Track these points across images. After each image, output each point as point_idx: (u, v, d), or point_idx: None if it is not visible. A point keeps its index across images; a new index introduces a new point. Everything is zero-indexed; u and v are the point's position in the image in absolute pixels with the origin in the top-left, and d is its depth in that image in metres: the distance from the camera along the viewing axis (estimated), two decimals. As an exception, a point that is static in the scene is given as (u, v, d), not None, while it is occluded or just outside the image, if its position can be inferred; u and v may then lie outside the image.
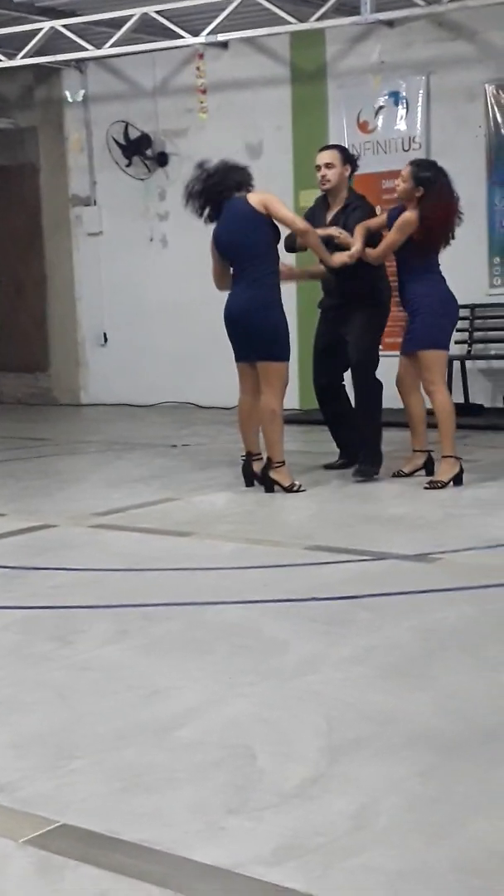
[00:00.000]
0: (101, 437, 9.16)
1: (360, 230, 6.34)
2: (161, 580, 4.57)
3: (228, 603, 4.15)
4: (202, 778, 2.68)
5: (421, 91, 9.56)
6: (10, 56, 10.11)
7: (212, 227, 6.39)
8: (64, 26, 9.73)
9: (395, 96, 9.71)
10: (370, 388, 6.45)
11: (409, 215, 6.17)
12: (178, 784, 2.66)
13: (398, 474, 6.41)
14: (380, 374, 6.56)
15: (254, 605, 4.14)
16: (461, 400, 9.30)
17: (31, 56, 9.94)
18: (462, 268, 9.47)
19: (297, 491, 6.14)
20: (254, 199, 6.18)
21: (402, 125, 9.70)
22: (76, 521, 5.76)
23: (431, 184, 6.21)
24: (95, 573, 4.71)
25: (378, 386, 6.47)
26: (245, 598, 4.22)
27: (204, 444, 8.16)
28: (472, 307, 9.49)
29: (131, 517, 5.80)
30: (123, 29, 9.60)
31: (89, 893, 2.20)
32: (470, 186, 9.34)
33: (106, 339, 11.60)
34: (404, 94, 9.66)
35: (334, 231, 6.39)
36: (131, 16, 9.46)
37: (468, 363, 9.44)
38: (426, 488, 6.09)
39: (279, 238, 6.33)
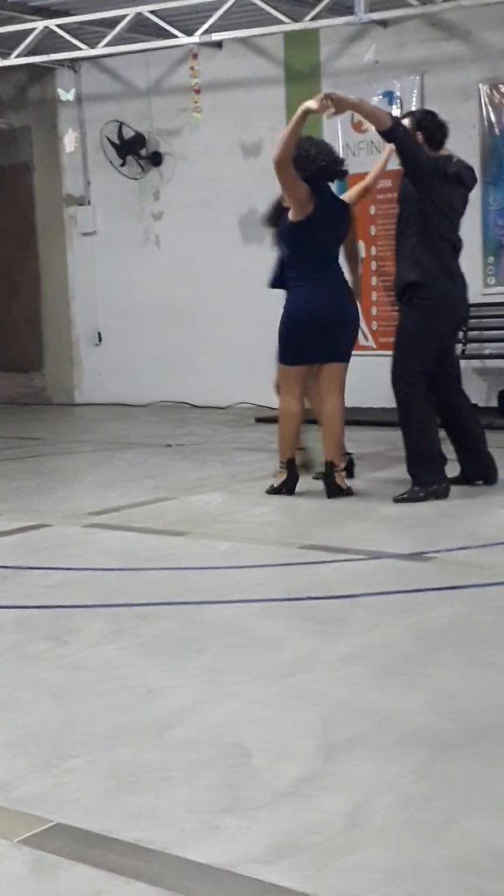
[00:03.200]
0: (95, 437, 9.16)
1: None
2: (156, 579, 4.57)
3: (223, 602, 4.16)
4: (196, 777, 2.68)
5: (415, 91, 9.57)
6: (4, 55, 10.10)
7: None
8: (58, 26, 9.72)
9: (389, 96, 9.71)
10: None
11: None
12: (173, 783, 2.66)
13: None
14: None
15: (248, 604, 4.14)
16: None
17: (25, 55, 9.93)
18: (456, 267, 9.51)
19: (349, 493, 6.01)
20: (345, 196, 6.30)
21: (396, 125, 9.71)
22: (71, 520, 5.76)
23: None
24: (90, 573, 4.71)
25: (402, 395, 6.00)
26: (239, 597, 4.22)
27: (199, 444, 8.16)
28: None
29: (126, 516, 5.80)
30: (117, 28, 9.60)
31: (84, 893, 2.20)
32: (464, 186, 9.37)
33: (100, 339, 11.60)
34: (398, 93, 9.67)
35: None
36: (125, 15, 9.46)
37: (462, 362, 9.43)
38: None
39: None
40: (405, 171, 5.87)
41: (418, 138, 5.86)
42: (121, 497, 6.32)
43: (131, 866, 2.29)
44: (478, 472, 6.16)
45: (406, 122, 5.93)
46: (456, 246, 5.93)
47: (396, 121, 5.83)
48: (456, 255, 5.92)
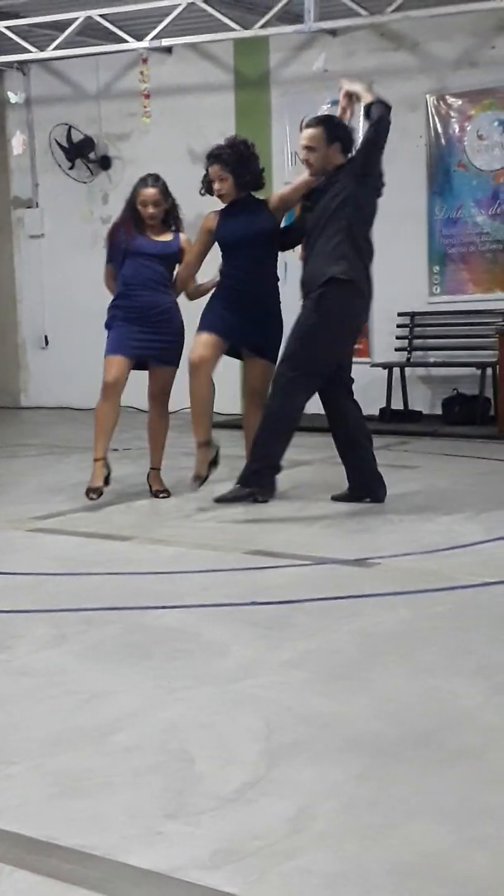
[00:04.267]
0: (41, 441, 9.10)
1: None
2: (100, 584, 4.55)
3: (168, 607, 4.15)
4: (140, 782, 2.68)
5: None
6: (-48, 56, 10.03)
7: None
8: (7, 27, 9.67)
9: (337, 104, 9.77)
10: None
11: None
12: (116, 789, 2.65)
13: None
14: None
15: (193, 609, 4.14)
16: (400, 406, 9.41)
17: (-27, 56, 9.87)
18: (402, 276, 9.60)
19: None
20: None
21: (344, 134, 9.77)
22: (14, 524, 5.71)
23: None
24: (34, 577, 4.68)
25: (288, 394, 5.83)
26: (184, 602, 4.22)
27: (145, 449, 8.13)
28: (412, 315, 9.60)
29: (71, 521, 5.77)
30: (67, 32, 9.57)
31: (25, 899, 2.19)
32: (410, 196, 9.48)
33: (47, 342, 11.53)
34: (347, 102, 9.73)
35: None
36: (75, 19, 9.43)
37: (408, 370, 9.54)
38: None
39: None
40: (363, 166, 5.68)
41: (337, 147, 5.76)
42: (66, 501, 6.29)
43: (73, 872, 2.28)
44: (363, 488, 5.95)
45: (319, 129, 5.78)
46: (372, 252, 5.83)
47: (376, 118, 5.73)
48: (371, 261, 5.85)
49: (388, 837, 2.38)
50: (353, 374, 5.98)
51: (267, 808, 2.53)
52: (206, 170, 6.08)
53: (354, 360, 6.12)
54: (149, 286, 6.18)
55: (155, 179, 6.19)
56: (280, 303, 6.10)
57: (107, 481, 6.18)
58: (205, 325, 6.04)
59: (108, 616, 4.06)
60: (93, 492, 6.09)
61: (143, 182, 6.18)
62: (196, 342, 6.01)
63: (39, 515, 5.91)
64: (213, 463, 6.09)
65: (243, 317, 5.98)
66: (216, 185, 6.02)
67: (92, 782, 2.69)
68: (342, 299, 5.64)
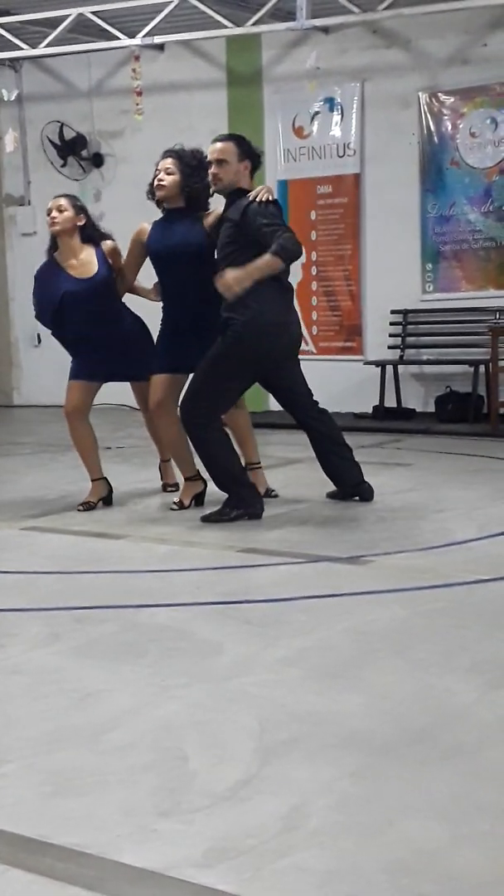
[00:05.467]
0: (34, 439, 9.09)
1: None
2: (94, 583, 4.55)
3: (161, 606, 4.15)
4: (133, 781, 2.67)
5: (356, 98, 9.66)
6: None
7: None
8: (-2, 24, 9.65)
9: (330, 102, 9.79)
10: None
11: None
12: (109, 787, 2.65)
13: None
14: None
15: (187, 607, 4.14)
16: (394, 404, 9.41)
17: (-35, 54, 9.85)
18: (395, 274, 9.61)
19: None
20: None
21: (336, 131, 9.79)
22: (8, 523, 5.70)
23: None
24: (27, 576, 4.67)
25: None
26: (178, 600, 4.22)
27: (139, 447, 8.13)
28: (405, 312, 9.61)
29: (64, 519, 5.76)
30: (59, 29, 9.56)
31: (19, 898, 2.18)
32: (403, 193, 9.49)
33: (39, 340, 11.51)
34: (339, 100, 9.75)
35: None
36: (67, 16, 9.42)
37: (401, 368, 9.55)
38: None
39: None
40: (282, 255, 5.24)
41: (247, 166, 5.50)
42: (60, 500, 6.28)
43: (67, 871, 2.27)
44: (349, 489, 5.93)
45: (231, 143, 5.52)
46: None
47: (277, 251, 5.22)
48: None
49: (382, 835, 2.38)
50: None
51: (261, 805, 2.53)
52: (156, 165, 5.78)
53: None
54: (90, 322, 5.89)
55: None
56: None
57: (108, 500, 6.08)
58: (156, 367, 5.87)
59: (102, 614, 4.06)
60: (82, 504, 5.98)
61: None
62: (152, 385, 5.87)
63: (33, 514, 5.90)
64: (198, 499, 5.94)
65: (186, 340, 5.76)
66: (160, 176, 5.71)
67: (86, 781, 2.68)
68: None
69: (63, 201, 5.99)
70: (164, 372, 5.86)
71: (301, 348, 6.00)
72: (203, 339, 5.68)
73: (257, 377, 5.74)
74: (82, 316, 5.87)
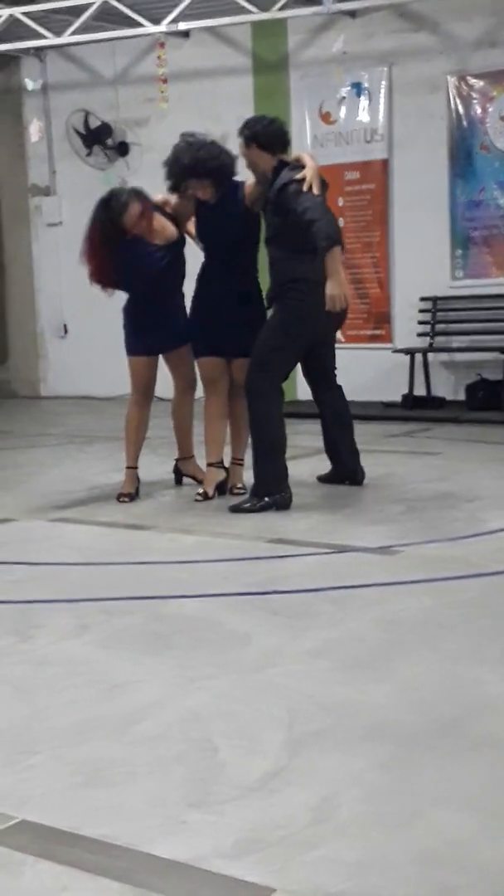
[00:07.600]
0: (61, 430, 9.11)
1: None
2: (121, 574, 4.55)
3: (189, 597, 4.14)
4: (163, 772, 2.67)
5: (383, 82, 9.58)
6: (-31, 44, 10.02)
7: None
8: (23, 13, 9.65)
9: (357, 87, 9.72)
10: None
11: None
12: (139, 778, 2.64)
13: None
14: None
15: (214, 598, 4.13)
16: (423, 393, 9.35)
17: (-10, 44, 9.86)
18: (424, 260, 9.54)
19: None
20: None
21: (364, 116, 9.72)
22: (36, 514, 5.72)
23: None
24: (55, 567, 4.68)
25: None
26: (206, 591, 4.21)
27: (165, 437, 8.13)
28: (434, 300, 9.54)
29: (92, 511, 5.77)
30: (83, 17, 9.54)
31: (49, 889, 2.18)
32: (431, 179, 9.41)
33: (66, 331, 11.53)
34: (366, 85, 9.68)
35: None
36: (91, 3, 9.40)
37: (430, 356, 9.48)
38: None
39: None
40: (329, 245, 5.34)
41: (255, 150, 5.58)
42: (87, 491, 6.29)
43: (97, 862, 2.27)
44: (343, 470, 6.09)
45: (240, 139, 5.66)
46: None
47: (324, 246, 5.32)
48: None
49: (411, 826, 2.36)
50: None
51: (290, 797, 2.52)
52: (179, 182, 5.84)
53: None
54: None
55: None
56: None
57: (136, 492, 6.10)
58: (202, 348, 5.96)
59: (130, 605, 4.06)
60: (125, 496, 6.01)
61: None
62: (202, 365, 5.98)
63: (60, 505, 5.91)
64: (220, 487, 5.96)
65: (227, 320, 5.82)
66: (199, 194, 5.81)
67: (115, 772, 2.68)
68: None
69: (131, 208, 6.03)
70: (212, 355, 5.91)
71: None
72: (242, 319, 5.79)
73: (309, 347, 5.83)
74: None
